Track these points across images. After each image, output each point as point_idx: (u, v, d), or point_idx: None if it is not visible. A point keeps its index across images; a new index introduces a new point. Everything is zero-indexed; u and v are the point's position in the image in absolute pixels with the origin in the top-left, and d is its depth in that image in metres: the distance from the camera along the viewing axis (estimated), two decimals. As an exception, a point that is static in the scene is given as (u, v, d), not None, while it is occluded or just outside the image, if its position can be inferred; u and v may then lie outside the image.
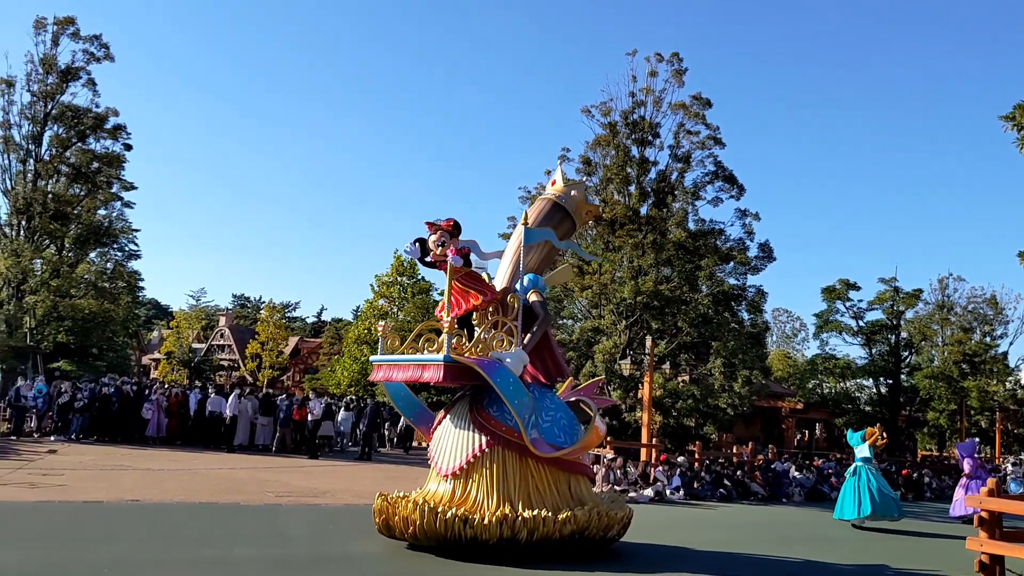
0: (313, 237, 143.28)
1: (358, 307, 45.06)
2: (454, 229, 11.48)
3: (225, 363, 68.29)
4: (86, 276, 36.31)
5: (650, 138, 29.95)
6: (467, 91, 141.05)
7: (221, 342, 73.36)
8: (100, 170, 35.17)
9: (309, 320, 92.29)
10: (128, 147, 35.91)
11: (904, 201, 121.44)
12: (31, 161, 34.01)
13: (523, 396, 10.87)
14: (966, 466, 19.86)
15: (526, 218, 12.15)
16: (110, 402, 25.68)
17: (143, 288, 46.58)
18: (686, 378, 28.83)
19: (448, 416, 11.65)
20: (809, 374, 47.24)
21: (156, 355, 64.25)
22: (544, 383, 12.37)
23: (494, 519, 10.31)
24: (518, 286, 11.88)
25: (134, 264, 41.05)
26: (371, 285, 45.31)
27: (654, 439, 24.31)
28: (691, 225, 29.32)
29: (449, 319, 11.07)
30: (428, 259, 11.54)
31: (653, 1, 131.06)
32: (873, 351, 42.18)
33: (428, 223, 11.62)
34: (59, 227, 33.89)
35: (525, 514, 10.47)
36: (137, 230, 40.67)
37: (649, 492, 20.56)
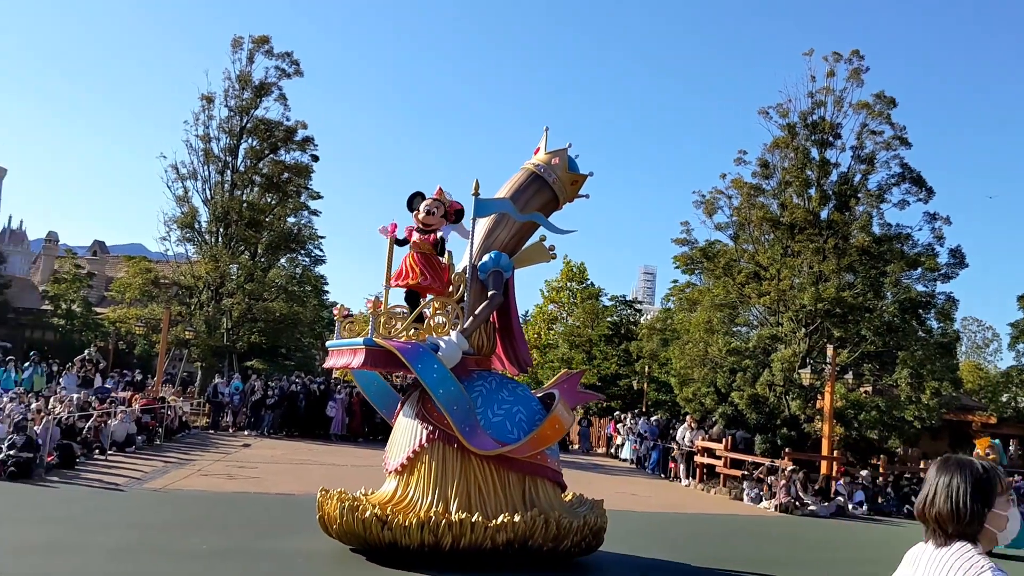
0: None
1: (527, 312, 45.68)
2: (456, 215, 10.97)
3: (401, 364, 70.36)
4: (277, 280, 38.29)
5: (831, 139, 28.80)
6: (646, 92, 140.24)
7: (398, 344, 75.88)
8: (290, 180, 36.96)
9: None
10: (315, 158, 37.64)
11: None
12: (228, 172, 36.08)
13: (450, 386, 9.78)
14: None
15: (476, 188, 10.76)
16: (297, 399, 27.05)
17: (327, 292, 48.69)
18: (869, 389, 27.57)
19: (403, 406, 10.76)
20: (1003, 387, 44.36)
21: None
22: (515, 372, 11.58)
23: (415, 522, 9.30)
24: (479, 264, 10.81)
25: (320, 269, 42.91)
26: (541, 290, 45.99)
27: (835, 452, 23.41)
28: (876, 229, 28.00)
29: (373, 298, 10.56)
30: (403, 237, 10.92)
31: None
32: (1077, 364, 39.19)
33: (440, 189, 11.10)
34: (253, 234, 35.86)
35: (453, 517, 9.38)
36: (323, 237, 42.52)
37: (829, 506, 19.84)
